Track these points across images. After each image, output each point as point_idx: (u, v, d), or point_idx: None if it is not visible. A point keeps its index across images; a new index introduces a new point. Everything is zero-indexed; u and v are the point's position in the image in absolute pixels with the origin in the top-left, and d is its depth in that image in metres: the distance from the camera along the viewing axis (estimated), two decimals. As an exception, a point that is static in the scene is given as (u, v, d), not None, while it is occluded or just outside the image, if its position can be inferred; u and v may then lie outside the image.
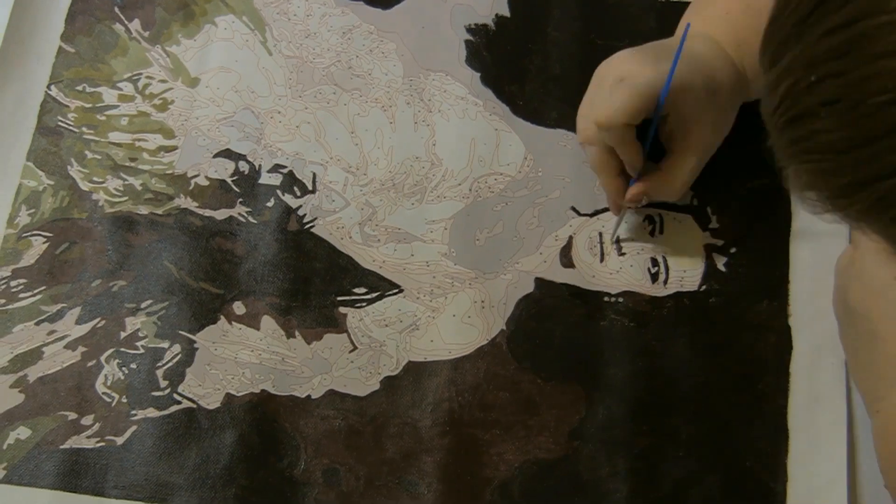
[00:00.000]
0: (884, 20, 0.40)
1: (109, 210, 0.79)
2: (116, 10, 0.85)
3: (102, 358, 0.75)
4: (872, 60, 0.40)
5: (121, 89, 0.83)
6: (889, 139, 0.40)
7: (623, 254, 0.78)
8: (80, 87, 0.83)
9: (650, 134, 0.72)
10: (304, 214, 0.79)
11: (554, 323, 0.76)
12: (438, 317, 0.76)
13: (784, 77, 0.45)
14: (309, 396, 0.74)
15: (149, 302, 0.76)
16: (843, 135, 0.42)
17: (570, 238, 0.78)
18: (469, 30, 0.84)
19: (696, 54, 0.72)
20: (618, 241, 0.78)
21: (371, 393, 0.74)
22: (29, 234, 0.78)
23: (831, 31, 0.42)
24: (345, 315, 0.76)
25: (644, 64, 0.71)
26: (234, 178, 0.80)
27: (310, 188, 0.80)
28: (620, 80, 0.71)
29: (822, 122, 0.43)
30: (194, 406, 0.74)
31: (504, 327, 0.76)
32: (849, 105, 0.42)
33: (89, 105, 0.82)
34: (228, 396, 0.74)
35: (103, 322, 0.76)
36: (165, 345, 0.75)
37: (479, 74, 0.83)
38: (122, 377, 0.74)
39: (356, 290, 0.77)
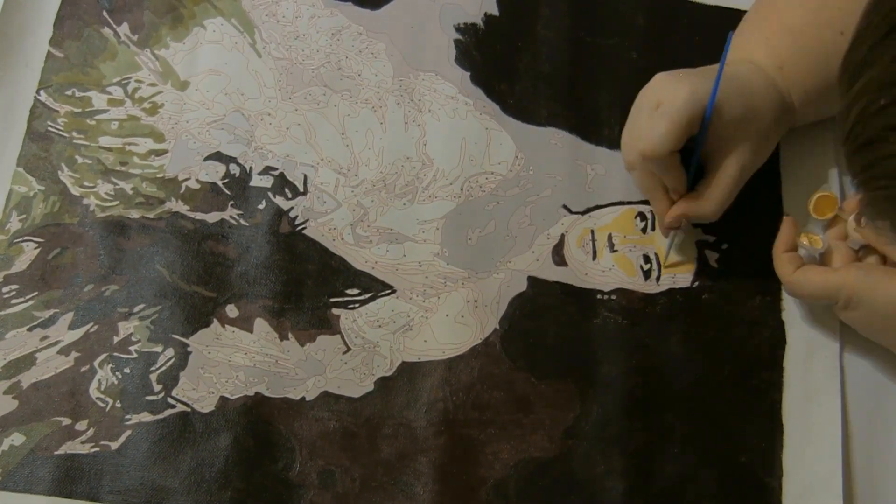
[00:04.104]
0: None
1: (101, 215, 0.79)
2: (105, 14, 0.85)
3: (96, 363, 0.75)
4: None
5: (110, 93, 0.82)
6: None
7: (615, 251, 0.78)
8: (69, 92, 0.82)
9: (695, 158, 0.72)
10: (296, 216, 0.79)
11: (547, 321, 0.76)
12: (432, 317, 0.76)
13: (856, 101, 0.45)
14: (303, 398, 0.74)
15: (141, 306, 0.76)
16: None
17: (563, 236, 0.78)
18: (458, 29, 0.84)
19: (737, 77, 0.72)
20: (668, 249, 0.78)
21: (365, 394, 0.74)
22: (20, 239, 0.78)
23: None
24: (338, 316, 0.76)
25: (678, 87, 0.70)
26: (226, 180, 0.80)
27: (301, 190, 0.79)
28: (657, 106, 0.71)
29: (891, 146, 0.43)
30: (188, 410, 0.73)
31: (497, 326, 0.76)
32: None
33: (79, 110, 0.82)
34: (222, 399, 0.74)
35: (96, 327, 0.76)
36: (159, 349, 0.75)
37: (468, 74, 0.83)
38: (116, 382, 0.74)
39: (349, 292, 0.77)
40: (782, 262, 0.74)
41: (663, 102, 0.71)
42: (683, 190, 0.74)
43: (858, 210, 0.51)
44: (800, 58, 0.74)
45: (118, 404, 0.74)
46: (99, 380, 0.74)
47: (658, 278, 0.77)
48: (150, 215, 0.79)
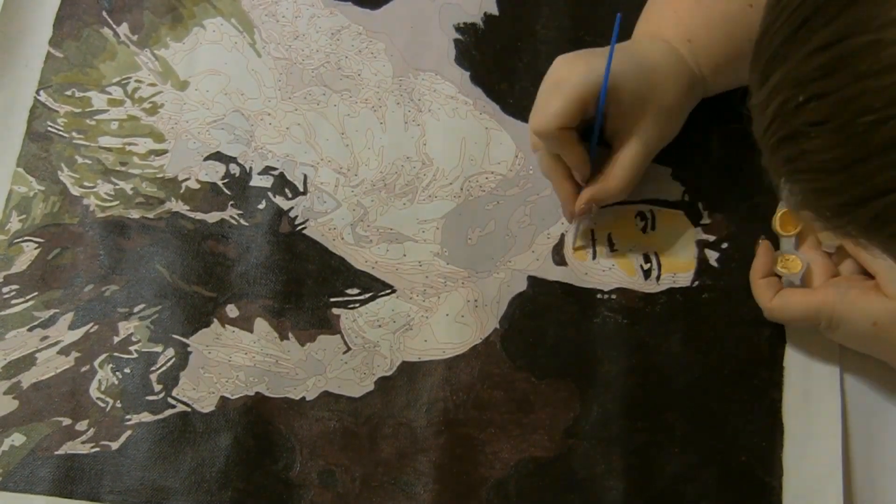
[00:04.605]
0: (869, 39, 0.39)
1: (101, 215, 0.79)
2: (104, 14, 0.85)
3: (96, 363, 0.75)
4: (858, 80, 0.40)
5: (110, 93, 0.82)
6: (879, 158, 0.40)
7: (615, 250, 0.78)
8: (69, 92, 0.82)
9: (594, 136, 0.72)
10: (296, 216, 0.79)
11: (547, 321, 0.76)
12: (432, 316, 0.76)
13: (773, 96, 0.44)
14: (303, 398, 0.74)
15: (141, 306, 0.76)
16: (833, 155, 0.42)
17: (563, 236, 0.78)
18: (458, 29, 0.84)
19: (636, 53, 0.72)
20: (593, 246, 0.78)
21: (365, 394, 0.74)
22: (20, 239, 0.78)
23: (818, 50, 0.41)
24: (338, 316, 0.76)
25: (576, 65, 0.71)
26: (225, 180, 0.80)
27: (301, 190, 0.79)
28: (556, 85, 0.71)
29: (813, 142, 0.43)
30: (189, 410, 0.73)
31: (498, 326, 0.76)
32: (837, 125, 0.41)
33: (79, 110, 0.82)
34: (223, 399, 0.74)
35: (96, 327, 0.76)
36: (159, 349, 0.75)
37: (468, 73, 0.83)
38: (116, 382, 0.74)
39: (349, 291, 0.77)
40: (760, 289, 0.74)
41: (561, 81, 0.71)
42: (586, 169, 0.73)
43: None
44: (708, 30, 0.74)
45: (118, 404, 0.74)
46: (99, 380, 0.74)
47: (658, 278, 0.77)
48: (150, 215, 0.79)
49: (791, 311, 0.72)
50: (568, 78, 0.70)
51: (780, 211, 0.76)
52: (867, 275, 0.72)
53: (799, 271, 0.73)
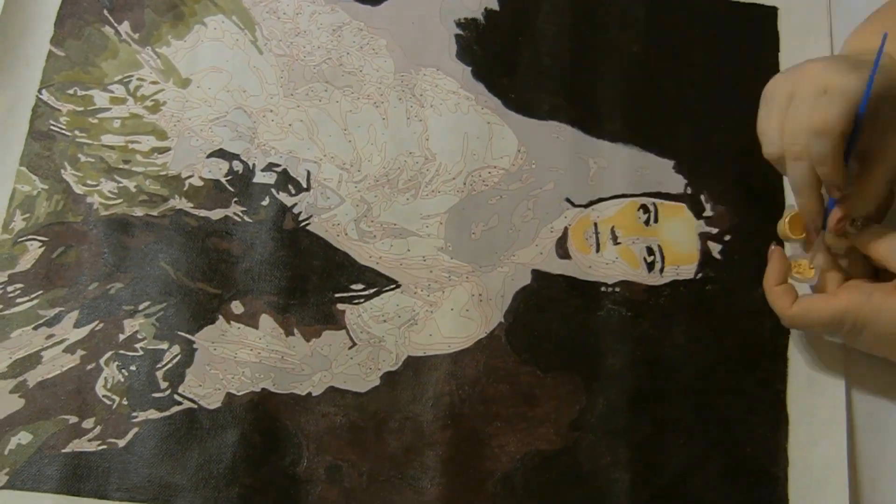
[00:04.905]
0: None
1: (104, 213, 0.79)
2: (105, 12, 0.85)
3: (102, 361, 0.75)
4: None
5: (112, 92, 0.82)
6: None
7: (619, 243, 0.78)
8: (71, 91, 0.82)
9: (850, 148, 0.69)
10: (300, 212, 0.79)
11: (552, 314, 0.76)
12: (437, 311, 0.76)
13: None
14: (309, 394, 0.74)
15: (146, 303, 0.76)
16: None
17: (566, 229, 0.78)
18: (459, 24, 0.85)
19: (885, 66, 0.69)
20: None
21: (371, 389, 0.74)
22: (24, 238, 0.78)
23: None
24: (343, 312, 0.76)
25: (846, 73, 0.67)
26: (229, 177, 0.80)
27: (304, 186, 0.80)
28: (824, 92, 0.68)
29: None
30: (195, 406, 0.74)
31: (502, 320, 0.76)
32: None
33: (81, 108, 0.82)
34: (229, 396, 0.74)
35: (101, 325, 0.76)
36: (164, 346, 0.75)
37: (470, 68, 0.83)
38: (122, 379, 0.74)
39: (353, 287, 0.77)
40: (777, 296, 0.73)
41: (832, 87, 0.67)
42: (844, 184, 0.69)
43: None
44: None
45: (125, 402, 0.74)
46: (105, 377, 0.74)
47: (661, 270, 0.77)
48: (154, 213, 0.79)
49: (813, 318, 0.71)
50: (846, 84, 0.67)
51: (789, 214, 0.75)
52: (879, 277, 0.71)
53: (814, 277, 0.72)
